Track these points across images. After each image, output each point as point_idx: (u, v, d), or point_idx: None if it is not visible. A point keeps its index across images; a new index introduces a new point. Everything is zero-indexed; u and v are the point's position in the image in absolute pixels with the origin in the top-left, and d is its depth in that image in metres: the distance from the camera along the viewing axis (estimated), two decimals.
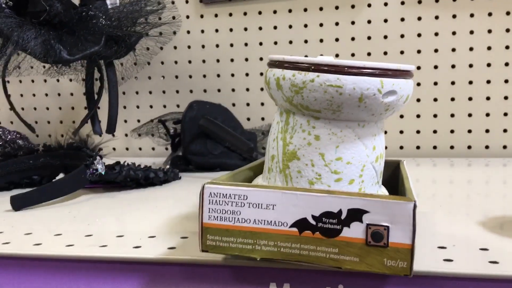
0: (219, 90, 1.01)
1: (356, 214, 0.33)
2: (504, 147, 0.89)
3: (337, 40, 0.93)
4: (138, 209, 0.56)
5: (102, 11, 0.76)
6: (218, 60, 1.00)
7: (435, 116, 0.91)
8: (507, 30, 0.86)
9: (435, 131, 0.91)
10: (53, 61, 0.70)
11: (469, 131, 0.90)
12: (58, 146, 0.70)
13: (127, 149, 1.08)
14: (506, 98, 0.88)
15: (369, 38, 0.92)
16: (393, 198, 0.32)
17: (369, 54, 0.92)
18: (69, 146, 0.69)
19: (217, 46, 1.00)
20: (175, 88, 1.03)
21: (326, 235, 0.33)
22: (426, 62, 0.90)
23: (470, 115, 0.90)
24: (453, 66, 0.89)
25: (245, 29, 0.97)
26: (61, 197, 0.61)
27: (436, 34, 0.89)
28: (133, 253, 0.39)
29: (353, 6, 0.92)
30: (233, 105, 1.00)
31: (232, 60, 0.99)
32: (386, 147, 0.94)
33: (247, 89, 0.99)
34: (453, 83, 0.90)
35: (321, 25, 0.94)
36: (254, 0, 0.96)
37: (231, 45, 0.99)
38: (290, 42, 0.96)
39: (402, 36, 0.91)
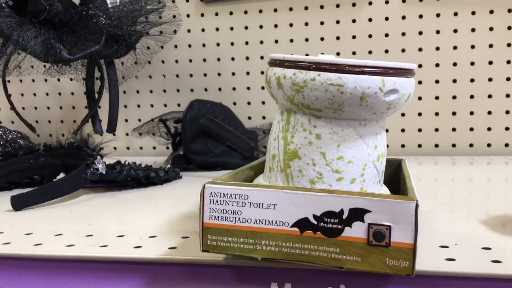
0: (220, 89, 1.01)
1: (357, 214, 0.32)
2: (506, 145, 0.89)
3: (338, 38, 0.93)
4: (139, 209, 0.56)
5: (102, 10, 0.76)
6: (218, 59, 1.00)
7: (436, 114, 0.91)
8: (509, 28, 0.86)
9: (436, 129, 0.91)
10: (53, 60, 0.70)
11: (471, 129, 0.90)
12: (58, 145, 0.70)
13: (128, 148, 1.08)
14: (508, 96, 0.87)
15: (370, 36, 0.92)
16: (394, 197, 0.32)
17: (370, 52, 0.92)
18: (70, 146, 0.69)
19: (218, 45, 0.99)
20: (176, 87, 1.03)
21: (328, 235, 0.33)
22: (428, 60, 0.90)
23: (471, 113, 0.89)
24: (454, 64, 0.89)
25: (246, 27, 0.97)
26: (61, 197, 0.61)
27: (438, 32, 0.89)
28: (133, 253, 0.39)
29: (354, 4, 0.91)
30: (234, 104, 1.00)
31: (233, 58, 0.99)
32: (387, 146, 0.93)
33: (248, 88, 0.99)
34: (454, 81, 0.89)
35: (322, 23, 0.93)
36: None
37: (232, 43, 0.98)
38: (291, 40, 0.95)
39: (403, 34, 0.90)
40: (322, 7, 0.93)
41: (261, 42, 0.97)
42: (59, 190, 0.60)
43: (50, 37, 0.70)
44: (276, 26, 0.96)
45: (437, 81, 0.90)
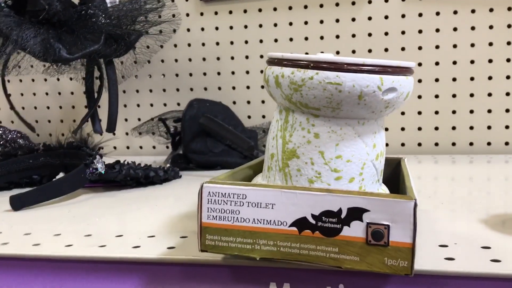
0: (219, 88, 1.00)
1: (356, 213, 0.32)
2: (506, 143, 0.88)
3: (337, 37, 0.93)
4: (138, 208, 0.56)
5: (101, 10, 0.76)
6: (218, 58, 1.00)
7: (436, 113, 0.91)
8: (509, 26, 0.85)
9: (436, 128, 0.91)
10: (52, 60, 0.70)
11: (471, 127, 0.90)
12: (58, 145, 0.69)
13: (127, 147, 1.08)
14: (508, 94, 0.87)
15: (369, 34, 0.91)
16: (393, 196, 0.32)
17: (369, 51, 0.92)
18: (69, 146, 0.68)
19: (217, 44, 0.99)
20: (176, 86, 1.03)
21: (326, 234, 0.33)
22: (427, 59, 0.90)
23: (471, 111, 0.89)
24: (454, 63, 0.89)
25: (245, 26, 0.97)
26: (60, 196, 0.61)
27: (437, 30, 0.88)
28: (132, 253, 0.39)
29: (353, 3, 0.91)
30: (234, 103, 1.00)
31: (232, 58, 0.99)
32: (387, 144, 0.93)
33: (248, 87, 0.99)
34: (454, 79, 0.89)
35: (321, 22, 0.93)
36: None
37: (231, 43, 0.98)
38: (291, 39, 0.95)
39: (403, 32, 0.90)
40: (321, 5, 0.93)
41: (261, 41, 0.97)
42: (58, 190, 0.60)
43: (49, 36, 0.70)
44: (275, 25, 0.96)
45: (437, 80, 0.90)
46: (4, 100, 1.03)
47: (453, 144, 0.91)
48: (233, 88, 1.00)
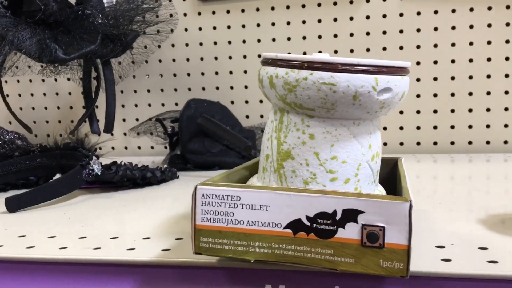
0: (217, 88, 1.00)
1: (351, 215, 0.32)
2: (505, 142, 0.88)
3: (335, 36, 0.93)
4: (135, 210, 0.55)
5: (98, 10, 0.75)
6: (216, 58, 0.99)
7: (435, 111, 0.90)
8: (507, 24, 0.85)
9: (435, 127, 0.91)
10: (48, 60, 0.69)
11: (470, 126, 0.89)
12: (54, 146, 0.69)
13: (126, 148, 1.07)
14: (506, 92, 0.87)
15: (368, 33, 0.91)
16: (388, 198, 0.31)
17: (368, 50, 0.91)
18: (65, 146, 0.68)
19: (215, 43, 0.99)
20: (173, 86, 1.02)
21: (321, 236, 0.32)
22: (426, 57, 0.89)
23: (470, 110, 0.89)
24: (453, 61, 0.88)
25: (243, 26, 0.97)
26: (56, 198, 0.60)
27: (436, 29, 0.88)
28: (126, 255, 0.39)
29: (351, 2, 0.91)
30: (232, 102, 0.99)
31: (230, 57, 0.99)
32: (386, 144, 0.93)
33: (246, 87, 0.99)
34: (453, 78, 0.89)
35: (319, 21, 0.93)
36: None
37: (229, 42, 0.98)
38: (289, 38, 0.95)
39: (401, 31, 0.90)
40: (319, 5, 0.92)
41: (259, 41, 0.96)
42: (54, 191, 0.59)
43: (45, 37, 0.70)
44: (273, 24, 0.95)
45: (435, 79, 0.89)
46: (1, 101, 1.03)
47: (452, 143, 0.90)
48: (231, 87, 0.99)
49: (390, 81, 0.35)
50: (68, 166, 0.67)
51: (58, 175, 0.70)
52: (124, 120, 1.06)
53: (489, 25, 0.86)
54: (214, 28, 0.98)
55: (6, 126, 1.08)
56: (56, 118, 1.10)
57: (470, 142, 0.90)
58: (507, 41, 0.85)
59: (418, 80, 0.90)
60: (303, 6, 0.93)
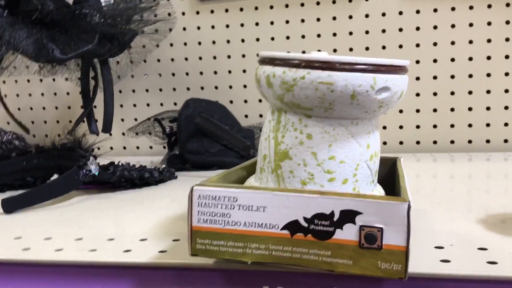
0: (216, 87, 1.00)
1: (348, 216, 0.31)
2: (505, 141, 0.88)
3: (334, 34, 0.92)
4: (132, 211, 0.55)
5: (95, 9, 0.75)
6: (214, 57, 0.99)
7: (435, 110, 0.90)
8: (507, 22, 0.85)
9: (435, 126, 0.90)
10: (45, 60, 0.69)
11: (470, 125, 0.89)
12: (51, 147, 0.69)
13: (124, 148, 1.07)
14: (506, 91, 0.87)
15: (367, 32, 0.91)
16: (386, 198, 0.31)
17: (367, 48, 0.91)
18: (63, 147, 0.68)
19: (214, 42, 0.98)
20: (172, 86, 1.02)
21: (319, 238, 0.32)
22: (425, 56, 0.89)
23: (470, 109, 0.88)
24: (452, 60, 0.88)
25: (242, 25, 0.96)
26: (53, 199, 0.60)
27: (435, 27, 0.88)
28: (122, 257, 0.39)
29: (350, 0, 0.90)
30: (231, 102, 0.99)
31: (229, 56, 0.98)
32: (385, 143, 0.93)
33: (245, 86, 0.98)
34: (452, 76, 0.88)
35: (318, 19, 0.92)
36: None
37: (228, 41, 0.98)
38: (287, 37, 0.94)
39: (400, 30, 0.89)
40: (318, 3, 0.92)
41: (257, 40, 0.96)
42: (51, 192, 0.59)
43: (42, 36, 0.69)
44: (272, 23, 0.95)
45: (435, 77, 0.89)
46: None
47: (452, 142, 0.90)
48: (230, 87, 0.99)
49: (388, 80, 0.35)
50: (65, 166, 0.67)
51: (55, 176, 0.70)
52: (122, 120, 1.06)
53: (489, 23, 0.85)
54: (213, 27, 0.98)
55: (4, 127, 1.07)
56: (54, 118, 1.10)
57: (470, 141, 0.89)
58: (507, 39, 0.85)
59: (417, 78, 0.90)
60: (302, 4, 0.93)
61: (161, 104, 1.03)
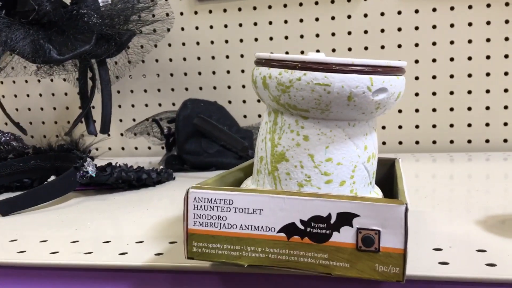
0: (214, 88, 0.99)
1: (346, 218, 0.31)
2: (505, 140, 0.87)
3: (333, 34, 0.92)
4: (129, 212, 0.55)
5: (93, 9, 0.75)
6: (213, 57, 0.99)
7: (434, 110, 0.90)
8: (506, 22, 0.84)
9: (434, 126, 0.90)
10: (42, 61, 0.68)
11: (469, 125, 0.88)
12: (48, 148, 0.68)
13: (123, 148, 1.07)
14: (506, 91, 0.86)
15: (365, 32, 0.90)
16: (383, 201, 0.31)
17: (366, 48, 0.91)
18: (60, 148, 0.67)
19: (212, 42, 0.98)
20: (170, 86, 1.02)
21: (315, 240, 0.32)
22: (424, 56, 0.89)
23: (469, 108, 0.88)
24: (451, 59, 0.88)
25: (240, 25, 0.96)
26: (50, 201, 0.59)
27: (434, 26, 0.87)
28: (118, 260, 0.38)
29: (349, 0, 0.90)
30: (229, 102, 0.99)
31: (227, 56, 0.98)
32: (384, 143, 0.92)
33: (243, 86, 0.98)
34: (452, 76, 0.88)
35: (317, 19, 0.92)
36: None
37: (226, 41, 0.97)
38: (286, 37, 0.94)
39: (399, 29, 0.89)
40: (317, 3, 0.92)
41: (256, 40, 0.96)
42: (47, 194, 0.59)
43: (39, 37, 0.69)
44: (270, 23, 0.95)
45: (434, 77, 0.89)
46: None
47: (451, 141, 0.90)
48: (229, 87, 0.99)
49: (385, 81, 0.34)
50: (62, 168, 0.66)
51: (53, 177, 0.70)
52: (121, 120, 1.05)
53: (488, 23, 0.85)
54: (211, 27, 0.97)
55: (2, 127, 1.07)
56: (52, 119, 1.10)
57: (469, 141, 0.89)
58: (506, 39, 0.85)
59: (416, 78, 0.89)
60: (301, 4, 0.92)
61: (160, 105, 1.03)
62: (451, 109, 0.89)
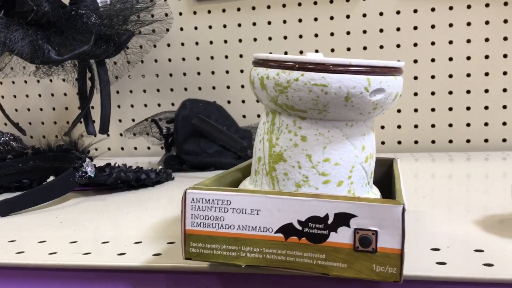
0: (213, 88, 0.99)
1: (343, 219, 0.31)
2: (504, 140, 0.87)
3: (332, 34, 0.92)
4: (128, 213, 0.55)
5: (92, 10, 0.75)
6: (212, 57, 0.99)
7: (433, 110, 0.90)
8: (505, 21, 0.84)
9: (433, 125, 0.90)
10: (41, 61, 0.69)
11: (468, 124, 0.89)
12: (47, 148, 0.68)
13: (122, 148, 1.07)
14: (505, 90, 0.86)
15: (364, 32, 0.90)
16: (381, 201, 0.31)
17: (365, 48, 0.91)
18: (59, 149, 0.67)
19: (211, 43, 0.98)
20: (170, 86, 1.02)
21: (313, 241, 0.32)
22: (423, 55, 0.89)
23: (468, 108, 0.88)
24: (450, 59, 0.88)
25: (239, 25, 0.96)
26: (49, 201, 0.60)
27: (433, 26, 0.87)
28: (116, 260, 0.38)
29: (347, 0, 0.90)
30: (228, 102, 0.99)
31: (226, 56, 0.98)
32: (383, 142, 0.92)
33: (242, 86, 0.98)
34: (450, 76, 0.88)
35: (315, 19, 0.92)
36: None
37: (225, 41, 0.97)
38: (285, 37, 0.94)
39: (398, 29, 0.89)
40: (315, 3, 0.92)
41: (255, 40, 0.96)
42: (46, 194, 0.59)
43: (37, 38, 0.69)
44: (269, 23, 0.95)
45: (433, 77, 0.89)
46: None
47: (450, 141, 0.90)
48: (228, 87, 0.99)
49: (382, 81, 0.34)
50: (61, 168, 0.66)
51: (52, 178, 0.70)
52: (120, 120, 1.05)
53: (487, 22, 0.85)
54: (210, 27, 0.97)
55: (2, 128, 1.07)
56: (51, 119, 1.10)
57: (468, 141, 0.89)
58: (505, 38, 0.85)
59: (415, 78, 0.89)
60: (299, 4, 0.92)
61: (159, 105, 1.03)
62: (450, 109, 0.89)
